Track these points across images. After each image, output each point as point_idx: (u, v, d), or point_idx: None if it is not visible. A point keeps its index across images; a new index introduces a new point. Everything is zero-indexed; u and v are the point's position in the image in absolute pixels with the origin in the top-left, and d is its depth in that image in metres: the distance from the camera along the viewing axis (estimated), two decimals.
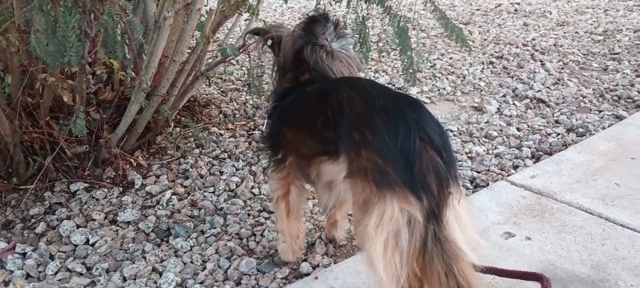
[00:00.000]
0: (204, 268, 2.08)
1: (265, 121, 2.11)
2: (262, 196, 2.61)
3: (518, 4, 6.80)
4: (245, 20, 3.93)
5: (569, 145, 3.00)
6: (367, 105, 1.53)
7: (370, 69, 4.29)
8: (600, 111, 3.52)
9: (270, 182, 1.98)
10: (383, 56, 4.49)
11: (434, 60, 4.56)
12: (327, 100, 1.65)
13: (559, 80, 4.07)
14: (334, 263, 2.08)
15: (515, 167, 2.80)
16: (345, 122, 1.54)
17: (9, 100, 2.49)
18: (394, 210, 1.38)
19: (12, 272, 2.06)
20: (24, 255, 2.15)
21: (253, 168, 2.85)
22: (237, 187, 2.68)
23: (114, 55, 1.78)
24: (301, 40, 1.90)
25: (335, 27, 1.94)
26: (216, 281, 2.00)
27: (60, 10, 1.78)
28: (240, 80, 4.09)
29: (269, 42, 2.00)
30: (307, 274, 2.02)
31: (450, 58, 4.64)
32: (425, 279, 1.43)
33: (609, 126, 3.23)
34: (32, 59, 2.48)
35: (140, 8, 2.84)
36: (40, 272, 2.08)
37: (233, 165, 2.87)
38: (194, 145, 3.09)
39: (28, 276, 2.05)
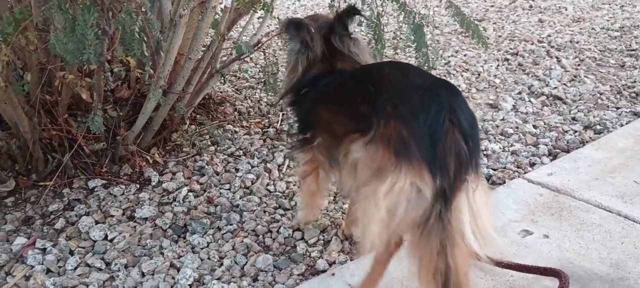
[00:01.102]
0: (221, 264, 2.10)
1: (291, 108, 2.15)
2: (277, 193, 2.62)
3: (533, 0, 6.73)
4: (258, 18, 3.95)
5: (587, 142, 2.98)
6: (406, 81, 1.59)
7: None
8: (617, 108, 3.47)
9: (301, 163, 2.02)
10: (397, 53, 4.48)
11: (448, 57, 4.54)
12: (369, 76, 1.72)
13: (575, 76, 4.03)
14: (350, 260, 2.08)
15: (532, 165, 2.78)
16: (383, 97, 1.57)
17: (28, 98, 2.53)
18: (406, 183, 1.41)
19: (32, 267, 2.09)
20: (44, 250, 2.19)
21: (268, 165, 2.86)
22: (252, 184, 2.69)
23: (132, 53, 1.80)
24: (329, 29, 1.97)
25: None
26: (233, 277, 2.02)
27: (79, 9, 1.80)
28: (255, 78, 4.10)
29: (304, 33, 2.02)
30: (324, 271, 2.03)
31: (465, 55, 4.61)
32: (417, 252, 1.47)
33: (626, 123, 3.19)
34: (50, 57, 2.50)
35: (155, 6, 2.85)
36: (60, 267, 2.11)
37: (248, 162, 2.88)
38: (209, 143, 3.11)
39: (48, 271, 2.08)
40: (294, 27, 2.03)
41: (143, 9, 1.99)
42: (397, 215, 1.43)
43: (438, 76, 1.80)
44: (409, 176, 1.40)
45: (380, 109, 1.54)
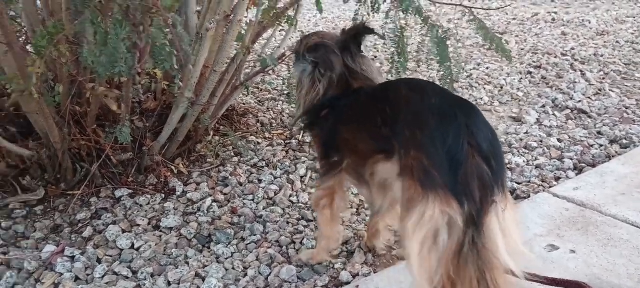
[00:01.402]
0: (245, 274, 2.12)
1: (309, 130, 2.13)
2: (300, 204, 2.64)
3: (555, 13, 6.69)
4: (280, 31, 3.99)
5: (613, 157, 2.94)
6: (423, 104, 1.56)
7: None
8: None
9: (318, 188, 2.02)
10: (418, 66, 4.49)
11: (470, 70, 4.53)
12: (387, 97, 1.71)
13: (600, 90, 3.99)
14: (374, 272, 2.08)
15: (557, 179, 2.75)
16: (401, 119, 1.58)
17: (58, 109, 2.60)
18: (435, 212, 1.40)
19: (61, 274, 2.13)
20: (72, 258, 2.23)
21: (291, 176, 2.88)
22: (275, 195, 2.71)
23: (162, 66, 1.84)
24: (343, 48, 1.96)
25: None
26: (257, 287, 2.03)
27: (111, 23, 1.85)
28: (277, 90, 4.14)
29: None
30: (347, 283, 2.03)
31: (487, 68, 4.60)
32: (458, 283, 1.45)
33: None
34: (80, 69, 2.57)
35: (182, 20, 2.91)
36: (88, 275, 2.15)
37: (271, 174, 2.90)
38: (232, 154, 3.14)
39: (77, 279, 2.12)
40: (314, 47, 2.00)
41: (171, 22, 2.05)
42: (433, 245, 1.42)
43: (456, 93, 1.79)
44: (438, 204, 1.39)
45: (399, 133, 1.55)
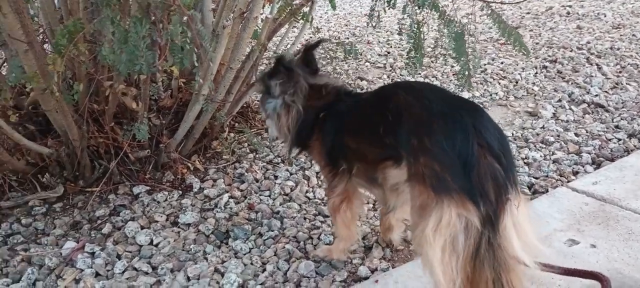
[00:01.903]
0: (264, 269, 2.13)
1: (307, 149, 2.14)
2: (316, 200, 2.64)
3: (570, 6, 6.61)
4: (293, 28, 3.99)
5: (631, 151, 2.91)
6: (425, 110, 1.55)
7: (419, 74, 4.27)
8: None
9: (332, 193, 2.01)
10: (432, 61, 4.47)
11: (485, 65, 4.50)
12: (386, 105, 1.70)
13: (617, 84, 3.94)
14: (392, 267, 2.08)
15: (575, 173, 2.73)
16: (404, 127, 1.57)
17: (77, 107, 2.62)
18: (452, 216, 1.40)
19: (82, 270, 2.16)
20: (92, 254, 2.25)
21: (306, 172, 2.88)
22: (291, 191, 2.72)
23: (181, 63, 1.85)
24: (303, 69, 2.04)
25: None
26: (276, 282, 2.04)
27: (130, 21, 1.86)
28: None
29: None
30: (366, 278, 2.03)
31: (502, 62, 4.57)
32: (474, 284, 1.46)
33: None
34: (98, 68, 2.60)
35: (200, 19, 2.92)
36: (108, 270, 2.17)
37: (287, 170, 2.91)
38: (248, 150, 3.16)
39: (97, 274, 2.14)
40: (271, 73, 2.05)
41: (186, 19, 2.05)
42: (453, 250, 1.42)
43: (453, 93, 1.80)
44: (453, 208, 1.40)
45: (405, 141, 1.55)
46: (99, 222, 2.51)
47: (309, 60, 2.06)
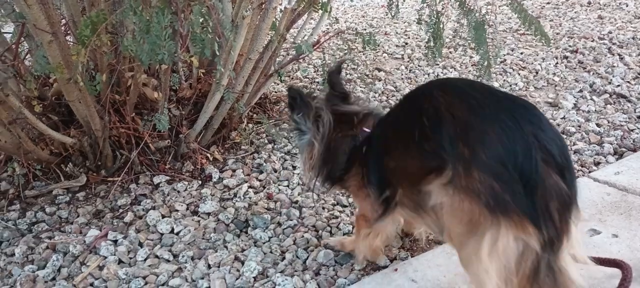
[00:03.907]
0: (283, 258, 2.15)
1: (343, 183, 1.96)
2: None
3: None
4: (311, 19, 3.99)
5: None
6: (473, 112, 1.37)
7: (438, 65, 4.25)
8: None
9: (366, 227, 1.89)
10: (450, 52, 4.43)
11: (504, 55, 4.45)
12: (419, 108, 1.50)
13: (639, 74, 3.87)
14: (411, 256, 2.08)
15: (597, 164, 2.69)
16: (447, 131, 1.39)
17: (98, 98, 2.66)
18: (509, 240, 1.30)
19: (105, 257, 2.20)
20: (115, 242, 2.30)
21: None
22: None
23: (203, 53, 1.87)
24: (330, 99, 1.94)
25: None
26: (296, 271, 2.06)
27: (152, 11, 1.89)
28: (308, 78, 4.15)
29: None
30: (385, 267, 2.04)
31: (521, 53, 4.51)
32: None
33: None
34: (119, 58, 2.63)
35: (220, 9, 2.94)
36: (131, 258, 2.21)
37: None
38: (266, 141, 3.17)
39: (120, 262, 2.19)
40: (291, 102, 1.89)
41: (208, 9, 2.07)
42: (509, 274, 1.33)
43: (499, 89, 1.53)
44: (511, 231, 1.28)
45: (450, 147, 1.37)
46: (120, 210, 2.55)
47: (335, 84, 1.94)
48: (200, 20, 1.87)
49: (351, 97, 1.96)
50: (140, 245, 2.28)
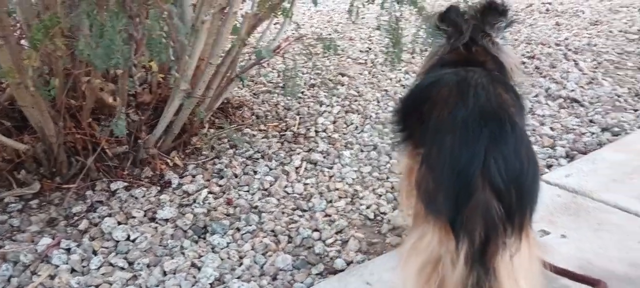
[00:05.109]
0: (241, 263, 2.14)
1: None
2: (295, 195, 2.66)
3: (550, 3, 6.70)
4: (275, 24, 4.00)
5: (604, 144, 2.97)
6: (451, 114, 1.39)
7: (400, 70, 4.31)
8: (635, 110, 3.46)
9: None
10: (413, 57, 4.50)
11: None
12: (429, 91, 1.56)
13: (593, 79, 4.01)
14: (368, 259, 2.11)
15: (549, 166, 2.78)
16: (429, 127, 1.45)
17: (54, 103, 2.60)
18: (433, 239, 1.30)
19: (57, 266, 2.15)
20: (68, 250, 2.24)
21: (286, 167, 2.90)
22: (270, 186, 2.73)
23: (158, 58, 1.85)
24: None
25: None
26: (253, 276, 2.06)
27: (106, 15, 1.86)
28: (272, 83, 4.15)
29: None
30: (342, 270, 2.06)
31: None
32: None
33: None
34: (75, 63, 2.58)
35: (178, 14, 2.92)
36: (84, 266, 2.16)
37: (266, 165, 2.92)
38: (228, 146, 3.16)
39: (73, 270, 2.14)
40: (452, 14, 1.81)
41: (166, 14, 2.06)
42: (431, 276, 1.31)
43: (504, 93, 1.47)
44: (437, 233, 1.29)
45: (426, 139, 1.43)
46: (75, 218, 2.49)
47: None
48: (157, 25, 1.85)
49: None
50: (94, 253, 2.23)
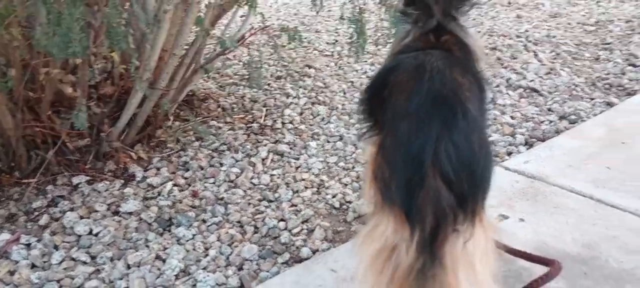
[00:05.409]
0: (207, 254, 2.13)
1: None
2: (261, 186, 2.66)
3: None
4: (241, 16, 3.98)
5: (561, 132, 3.07)
6: (406, 100, 1.37)
7: (365, 62, 4.34)
8: (591, 99, 3.58)
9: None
10: (379, 49, 4.54)
11: None
12: (388, 75, 1.53)
13: (551, 69, 4.13)
14: (334, 247, 2.13)
15: (509, 154, 2.86)
16: (386, 114, 1.44)
17: (11, 95, 2.53)
18: (388, 228, 1.30)
19: (17, 262, 2.10)
20: (28, 245, 2.20)
21: (252, 159, 2.89)
22: (237, 177, 2.72)
23: (118, 46, 1.82)
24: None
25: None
26: (219, 266, 2.06)
27: (64, 3, 1.82)
28: (238, 75, 4.13)
29: None
30: (307, 258, 2.08)
31: None
32: None
33: (600, 113, 3.30)
34: (33, 54, 2.52)
35: (139, 2, 2.87)
36: (45, 261, 2.12)
37: (232, 157, 2.91)
38: (193, 138, 3.13)
39: (33, 266, 2.09)
40: None
41: (128, 4, 2.03)
42: (386, 263, 1.31)
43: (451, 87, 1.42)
44: (391, 222, 1.28)
45: (383, 126, 1.44)
46: (36, 213, 2.44)
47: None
48: (116, 14, 1.82)
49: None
50: (56, 248, 2.19)
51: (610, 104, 3.44)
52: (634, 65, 4.16)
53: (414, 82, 1.39)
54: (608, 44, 4.77)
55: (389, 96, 1.45)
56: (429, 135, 1.26)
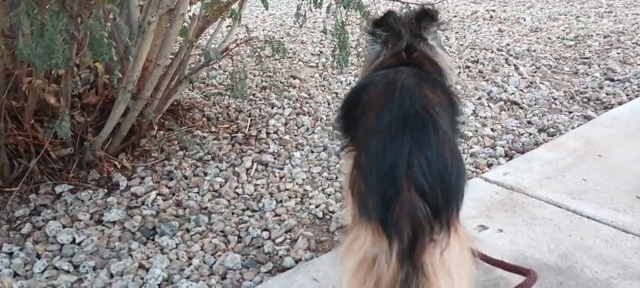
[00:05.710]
0: (190, 264, 2.14)
1: None
2: (245, 196, 2.68)
3: (493, 11, 6.99)
4: (227, 27, 4.01)
5: (540, 144, 3.14)
6: (376, 118, 1.44)
7: (350, 73, 4.39)
8: (570, 112, 3.67)
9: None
10: (362, 60, 4.60)
11: None
12: (361, 93, 1.60)
13: (531, 83, 4.22)
14: (316, 257, 2.15)
15: (489, 165, 2.92)
16: (359, 131, 1.51)
17: None
18: (366, 241, 1.34)
19: None
20: (10, 254, 2.19)
21: (236, 169, 2.91)
22: (221, 187, 2.74)
23: (101, 58, 1.84)
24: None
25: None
26: (202, 276, 2.07)
27: (47, 14, 1.83)
28: (223, 85, 4.15)
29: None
30: (290, 268, 2.10)
31: None
32: None
33: (578, 126, 3.38)
34: (16, 63, 2.52)
35: (123, 13, 2.89)
36: (27, 270, 2.11)
37: (217, 167, 2.93)
38: (178, 148, 3.14)
39: (15, 274, 2.08)
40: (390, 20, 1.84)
41: (111, 16, 2.04)
42: (367, 276, 1.35)
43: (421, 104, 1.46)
44: (370, 235, 1.32)
45: (356, 143, 1.50)
46: (18, 222, 2.43)
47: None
48: (99, 25, 1.84)
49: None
50: (38, 256, 2.19)
51: (587, 118, 3.53)
52: (612, 80, 4.27)
53: (385, 99, 1.46)
54: (587, 58, 4.88)
55: (361, 114, 1.52)
56: (401, 150, 1.31)
